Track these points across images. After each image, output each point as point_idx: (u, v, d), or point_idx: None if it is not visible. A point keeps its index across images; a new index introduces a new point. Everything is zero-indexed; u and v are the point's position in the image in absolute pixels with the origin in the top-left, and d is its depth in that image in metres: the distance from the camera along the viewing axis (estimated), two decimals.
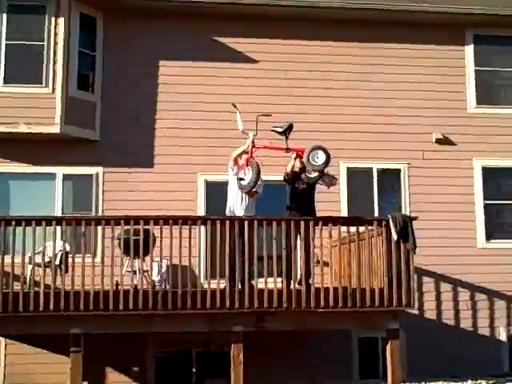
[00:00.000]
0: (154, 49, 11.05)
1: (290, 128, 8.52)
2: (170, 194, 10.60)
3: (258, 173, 8.24)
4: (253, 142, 8.35)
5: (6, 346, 9.89)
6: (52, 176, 10.52)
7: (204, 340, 10.12)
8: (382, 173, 11.38)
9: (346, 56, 11.48)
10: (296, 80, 11.29)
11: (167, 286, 8.64)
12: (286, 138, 8.55)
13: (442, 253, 11.00)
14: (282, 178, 8.87)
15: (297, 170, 8.65)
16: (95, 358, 9.63)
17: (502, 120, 11.63)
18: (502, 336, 11.09)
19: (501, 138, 11.55)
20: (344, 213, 11.05)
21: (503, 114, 11.68)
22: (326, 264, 8.88)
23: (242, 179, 8.41)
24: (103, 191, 10.65)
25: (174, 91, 11.02)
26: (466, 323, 11.08)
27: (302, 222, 8.16)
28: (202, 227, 8.48)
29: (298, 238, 8.29)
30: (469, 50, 11.78)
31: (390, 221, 8.24)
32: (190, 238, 8.04)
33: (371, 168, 11.33)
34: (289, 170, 8.63)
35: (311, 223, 8.18)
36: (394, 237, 8.19)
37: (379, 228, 8.37)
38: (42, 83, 10.27)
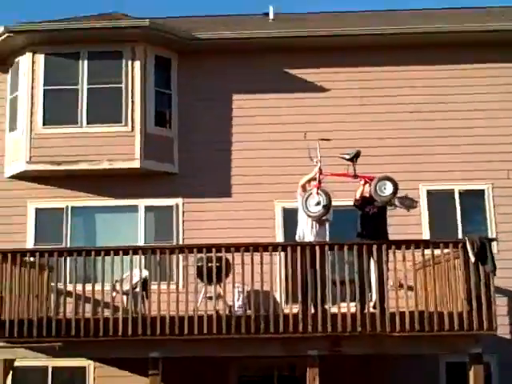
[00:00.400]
0: (227, 84, 11.43)
1: (357, 155, 8.58)
2: (248, 222, 10.79)
3: (329, 200, 8.28)
4: (320, 169, 8.41)
5: (94, 368, 10.30)
6: (135, 208, 11.01)
7: (288, 364, 10.15)
8: (465, 194, 11.08)
9: (425, 79, 11.36)
10: (372, 106, 11.28)
11: (248, 311, 8.80)
12: (354, 164, 8.56)
13: None
14: (351, 203, 8.86)
15: (366, 195, 8.62)
16: (178, 382, 9.94)
17: None
18: None
19: None
20: (426, 236, 10.83)
21: None
22: (410, 288, 8.70)
23: (315, 204, 8.44)
24: (183, 221, 11.01)
25: (246, 123, 11.30)
26: None
27: (375, 246, 8.07)
28: (282, 253, 8.59)
29: (372, 261, 8.19)
30: None
31: (467, 242, 8.01)
32: (271, 263, 8.17)
33: (453, 189, 11.06)
34: (358, 195, 8.65)
35: (384, 246, 8.09)
36: (472, 259, 7.94)
37: (456, 250, 8.13)
38: (121, 122, 10.86)
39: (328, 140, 8.60)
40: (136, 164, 10.83)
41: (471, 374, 7.98)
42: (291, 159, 10.93)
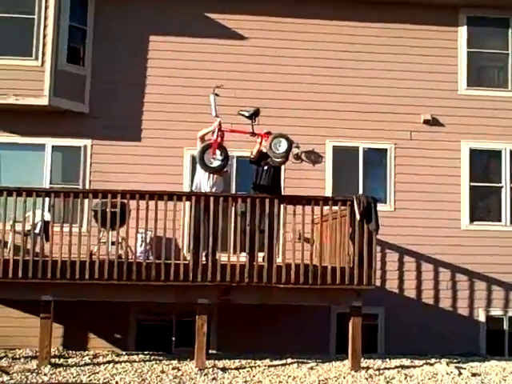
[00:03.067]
0: (145, 24, 11.23)
1: (256, 113, 8.76)
2: (157, 168, 10.87)
3: (227, 156, 8.48)
4: (220, 124, 8.54)
5: None
6: (41, 147, 10.85)
7: (188, 310, 10.45)
8: (369, 152, 11.45)
9: (336, 35, 11.49)
10: (284, 58, 11.36)
11: (150, 257, 9.02)
12: (253, 122, 8.73)
13: (425, 233, 11.15)
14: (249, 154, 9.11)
15: (264, 149, 8.84)
16: (79, 324, 10.15)
17: (491, 102, 11.58)
18: (481, 317, 11.20)
19: (490, 120, 11.52)
20: (329, 190, 11.20)
21: (493, 97, 11.62)
22: (306, 240, 9.09)
23: (213, 159, 8.60)
24: (91, 163, 10.96)
25: (162, 66, 11.21)
26: (445, 303, 11.21)
27: (267, 200, 8.35)
28: (187, 202, 8.77)
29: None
30: (462, 31, 11.69)
31: (354, 201, 8.38)
32: (174, 211, 8.30)
33: (358, 147, 11.40)
34: (254, 152, 8.87)
35: (276, 201, 8.37)
36: (357, 217, 8.33)
37: (344, 208, 8.51)
38: (31, 56, 10.55)
39: (221, 86, 8.67)
40: (44, 101, 10.57)
41: (350, 324, 8.48)
42: (203, 106, 10.83)
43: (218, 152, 8.43)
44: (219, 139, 8.45)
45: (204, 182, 8.84)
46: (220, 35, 11.35)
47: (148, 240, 9.69)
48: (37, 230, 8.82)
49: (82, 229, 8.50)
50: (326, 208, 8.66)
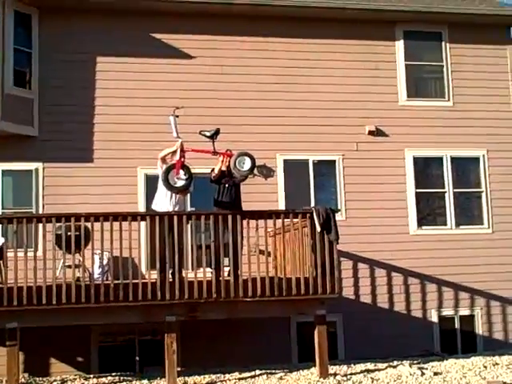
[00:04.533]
0: (91, 45, 11.24)
1: (217, 132, 8.94)
2: (111, 188, 10.86)
3: (191, 176, 8.60)
4: (182, 145, 8.65)
5: None
6: None
7: (151, 329, 10.47)
8: (318, 164, 11.79)
9: (281, 52, 11.83)
10: (231, 75, 11.58)
11: (109, 278, 8.98)
12: (214, 141, 8.91)
13: (377, 240, 11.55)
14: (210, 171, 9.28)
15: (224, 168, 9.03)
16: (40, 350, 9.98)
17: (431, 112, 12.19)
18: (434, 317, 11.69)
19: (430, 129, 12.10)
20: (282, 204, 11.46)
21: (432, 107, 12.24)
22: (262, 253, 9.28)
23: (177, 179, 8.72)
24: (43, 186, 10.85)
25: (112, 87, 11.24)
26: (399, 306, 11.64)
27: (230, 216, 8.51)
28: (142, 222, 8.81)
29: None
30: (399, 45, 12.25)
31: (314, 213, 8.63)
32: (129, 231, 8.33)
33: (307, 160, 11.73)
34: (216, 171, 9.05)
35: (238, 217, 8.54)
36: (318, 228, 8.59)
37: (304, 220, 8.76)
38: None
39: (181, 108, 8.83)
40: None
41: (316, 332, 8.71)
42: (155, 125, 11.03)
43: (181, 172, 8.54)
44: (182, 159, 8.56)
45: (167, 201, 8.90)
46: (167, 55, 11.50)
47: (105, 261, 9.68)
48: None
49: (37, 253, 8.43)
50: (284, 220, 8.86)
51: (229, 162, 8.81)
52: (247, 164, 8.60)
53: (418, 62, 12.31)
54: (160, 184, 8.93)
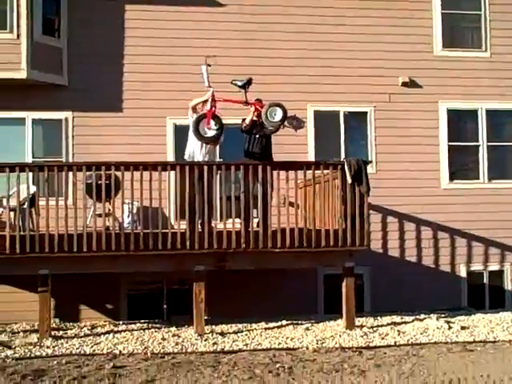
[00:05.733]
0: None
1: (249, 82, 8.83)
2: (140, 138, 10.83)
3: (221, 126, 8.53)
4: (213, 94, 8.56)
5: None
6: (21, 121, 10.71)
7: (179, 279, 10.60)
8: (349, 116, 11.60)
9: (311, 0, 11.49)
10: (264, 24, 11.34)
11: (138, 227, 9.06)
12: (245, 91, 8.80)
13: (407, 193, 11.40)
14: (240, 122, 9.18)
15: (255, 119, 8.93)
16: (70, 297, 10.18)
17: (467, 63, 11.82)
18: (462, 272, 11.60)
19: (466, 80, 11.75)
20: (311, 155, 11.35)
21: (468, 58, 11.86)
22: (291, 205, 9.27)
23: (207, 129, 8.67)
24: (73, 136, 10.87)
25: (141, 35, 11.08)
26: (428, 260, 11.55)
27: (260, 167, 8.45)
28: (172, 172, 8.83)
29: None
30: None
31: (345, 165, 8.54)
32: (159, 181, 8.36)
33: (338, 111, 11.54)
34: (248, 121, 8.94)
35: (268, 168, 8.48)
36: (349, 180, 8.50)
37: (335, 172, 8.67)
38: (6, 29, 10.34)
39: (213, 56, 8.70)
40: (22, 74, 10.39)
41: (344, 285, 8.72)
42: (184, 75, 10.91)
43: (212, 122, 8.47)
44: (213, 109, 8.47)
45: (197, 152, 8.88)
46: (199, 3, 11.26)
47: (135, 210, 9.74)
48: (25, 206, 8.77)
49: (68, 201, 8.53)
50: (315, 172, 8.78)
51: (260, 112, 8.69)
52: (278, 115, 8.49)
53: (455, 10, 11.89)
54: (190, 134, 8.88)
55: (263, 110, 8.54)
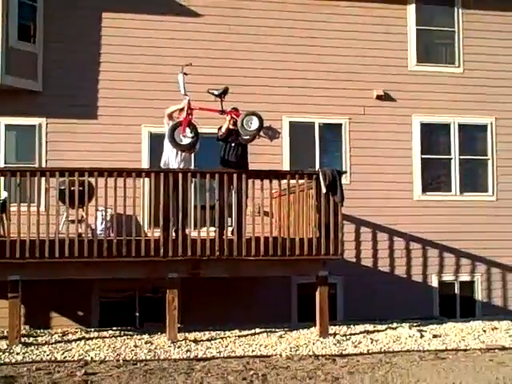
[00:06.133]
0: (96, 0, 11.04)
1: (225, 91, 8.88)
2: (115, 146, 10.78)
3: (197, 134, 8.55)
4: (189, 103, 8.59)
5: None
6: None
7: (151, 287, 10.54)
8: (324, 127, 11.70)
9: (288, 12, 11.61)
10: (242, 35, 11.43)
11: (111, 234, 9.00)
12: (221, 100, 8.84)
13: (381, 204, 11.55)
14: (216, 131, 9.19)
15: (231, 127, 8.97)
16: (41, 304, 10.04)
17: (440, 78, 12.05)
18: (434, 282, 11.73)
19: (439, 95, 11.97)
20: (286, 166, 11.41)
21: (442, 73, 12.10)
22: (266, 214, 9.29)
23: (183, 137, 8.69)
24: (47, 142, 10.78)
25: (117, 43, 11.07)
26: (400, 270, 11.68)
27: (235, 175, 8.47)
28: (146, 179, 8.81)
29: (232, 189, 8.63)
30: (411, 9, 12.05)
31: (320, 175, 8.61)
32: (134, 188, 8.42)
33: (313, 122, 11.63)
34: (223, 130, 8.97)
35: (244, 176, 8.50)
36: (323, 190, 8.56)
37: (310, 181, 8.73)
38: None
39: (190, 65, 8.73)
40: None
41: (317, 293, 8.76)
42: (160, 83, 10.93)
43: (188, 130, 8.49)
44: (189, 117, 8.49)
45: (172, 159, 8.88)
46: (174, 12, 11.30)
47: (108, 218, 9.69)
48: None
49: (40, 208, 8.44)
50: (286, 182, 8.84)
51: (236, 120, 8.73)
52: (255, 123, 8.52)
53: (430, 26, 12.12)
54: (166, 141, 8.87)
55: (239, 119, 8.59)
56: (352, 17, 11.83)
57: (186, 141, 8.57)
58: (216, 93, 8.84)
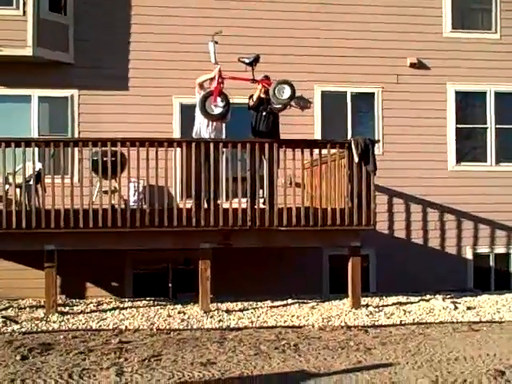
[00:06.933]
0: None
1: (256, 59, 8.77)
2: (146, 117, 10.79)
3: (228, 104, 8.47)
4: (220, 71, 8.50)
5: None
6: (27, 98, 10.67)
7: (184, 258, 10.62)
8: (356, 96, 11.53)
9: None
10: (272, 3, 11.24)
11: (144, 206, 9.04)
12: (253, 69, 8.74)
13: (414, 175, 11.38)
14: (247, 100, 9.11)
15: (263, 96, 8.87)
16: (76, 274, 10.20)
17: (476, 45, 11.72)
18: (469, 254, 11.57)
19: (474, 62, 11.65)
20: (318, 136, 11.28)
21: (478, 39, 11.76)
22: (297, 185, 9.24)
23: (214, 106, 8.62)
24: (79, 114, 10.83)
25: (148, 13, 11.00)
26: (434, 242, 11.53)
27: (267, 144, 8.40)
28: (178, 149, 8.80)
29: (264, 159, 8.57)
30: None
31: (352, 144, 8.49)
32: (165, 159, 8.35)
33: (345, 92, 11.46)
34: (255, 98, 8.88)
35: (275, 145, 8.43)
36: (356, 159, 8.45)
37: (342, 151, 8.62)
38: (12, 5, 10.26)
39: (220, 33, 8.62)
40: (28, 51, 10.32)
41: (350, 264, 8.70)
42: (191, 54, 10.85)
43: (219, 99, 8.40)
44: (220, 86, 8.41)
45: (204, 129, 8.84)
46: None
47: (141, 189, 9.74)
48: (31, 182, 8.76)
49: (73, 179, 8.52)
50: (321, 151, 8.73)
51: (268, 89, 8.63)
52: (287, 92, 8.42)
53: None
54: (197, 111, 8.83)
55: (271, 87, 8.48)
56: None
57: (217, 110, 8.51)
58: (247, 61, 8.73)
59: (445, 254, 11.50)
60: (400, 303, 8.99)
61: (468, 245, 11.58)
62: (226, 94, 8.54)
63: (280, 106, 8.70)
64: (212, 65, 8.79)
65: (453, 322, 7.98)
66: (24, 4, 10.31)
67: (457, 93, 11.67)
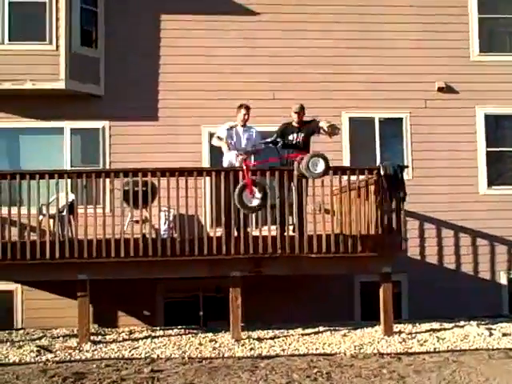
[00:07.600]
0: (156, 3, 11.22)
1: (276, 142, 8.62)
2: (175, 146, 10.93)
3: (265, 193, 8.21)
4: (245, 164, 8.38)
5: (22, 292, 10.48)
6: (60, 130, 10.92)
7: (215, 286, 10.63)
8: (384, 122, 11.53)
9: (345, 6, 11.47)
10: (297, 31, 11.37)
11: (174, 234, 9.12)
12: (277, 149, 8.71)
13: (445, 200, 11.26)
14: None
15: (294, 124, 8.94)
16: (108, 303, 10.28)
17: (504, 67, 11.65)
18: (503, 279, 11.37)
19: (503, 85, 11.58)
20: (346, 162, 11.28)
21: (506, 62, 11.70)
22: (326, 211, 9.22)
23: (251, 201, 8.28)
24: (110, 144, 11.03)
25: (176, 45, 11.22)
26: (467, 267, 11.36)
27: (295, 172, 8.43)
28: (207, 178, 8.89)
29: (293, 186, 8.58)
30: None
31: (381, 169, 8.48)
32: (195, 188, 8.44)
33: (373, 118, 11.48)
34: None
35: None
36: (385, 185, 8.43)
37: (371, 177, 8.61)
38: (45, 40, 10.57)
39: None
40: (61, 85, 10.61)
41: (381, 290, 8.63)
42: (219, 83, 11.06)
43: (255, 190, 8.15)
44: (250, 177, 8.21)
45: (233, 157, 8.89)
46: (232, 11, 11.34)
47: (171, 218, 9.82)
48: (64, 213, 8.91)
49: (105, 209, 8.64)
50: (350, 177, 8.72)
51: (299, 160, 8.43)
52: (320, 166, 8.21)
53: (492, 14, 11.76)
54: (224, 152, 8.94)
55: (304, 161, 8.15)
56: (412, 8, 11.59)
57: (255, 202, 8.19)
58: (269, 140, 8.66)
59: (478, 279, 11.33)
60: (433, 330, 8.86)
61: (502, 270, 11.40)
62: (260, 183, 8.33)
63: (312, 178, 8.41)
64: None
65: (488, 349, 7.83)
66: (57, 39, 10.61)
67: (486, 116, 11.59)
